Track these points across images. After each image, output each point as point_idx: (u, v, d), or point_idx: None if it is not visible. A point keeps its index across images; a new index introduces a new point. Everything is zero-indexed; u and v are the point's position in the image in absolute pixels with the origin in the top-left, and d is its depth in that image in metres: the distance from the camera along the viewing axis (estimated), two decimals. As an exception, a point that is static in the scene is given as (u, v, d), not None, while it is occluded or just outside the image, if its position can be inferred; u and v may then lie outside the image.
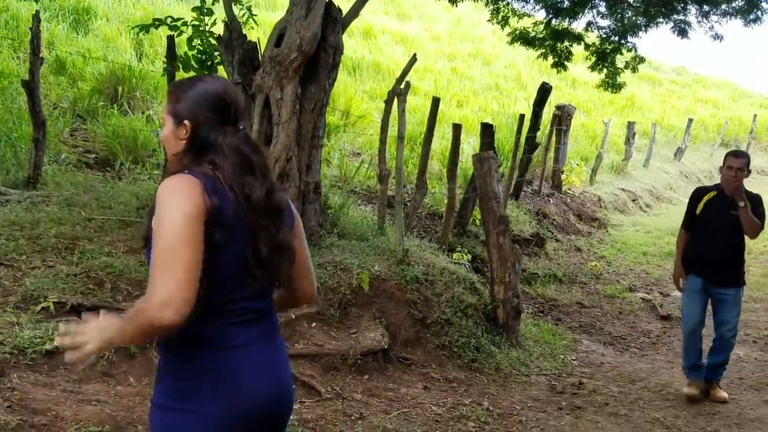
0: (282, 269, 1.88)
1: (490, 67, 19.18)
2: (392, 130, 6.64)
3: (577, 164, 13.00)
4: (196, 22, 5.97)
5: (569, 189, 12.31)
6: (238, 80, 5.49)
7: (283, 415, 1.97)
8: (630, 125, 15.71)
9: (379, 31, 17.73)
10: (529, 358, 5.81)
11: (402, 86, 6.11)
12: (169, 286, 1.61)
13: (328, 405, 4.12)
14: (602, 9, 9.15)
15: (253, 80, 5.44)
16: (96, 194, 5.70)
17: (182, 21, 5.97)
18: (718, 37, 8.76)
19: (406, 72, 6.18)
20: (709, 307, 5.13)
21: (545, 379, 5.46)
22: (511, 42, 9.77)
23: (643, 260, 10.03)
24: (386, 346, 4.92)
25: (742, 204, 4.78)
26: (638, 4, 8.86)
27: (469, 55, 19.46)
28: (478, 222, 8.21)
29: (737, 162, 4.88)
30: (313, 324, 4.84)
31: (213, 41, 5.87)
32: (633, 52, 9.56)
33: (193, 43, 5.95)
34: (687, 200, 5.34)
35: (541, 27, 9.39)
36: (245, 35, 5.68)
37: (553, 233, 10.19)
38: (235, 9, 5.94)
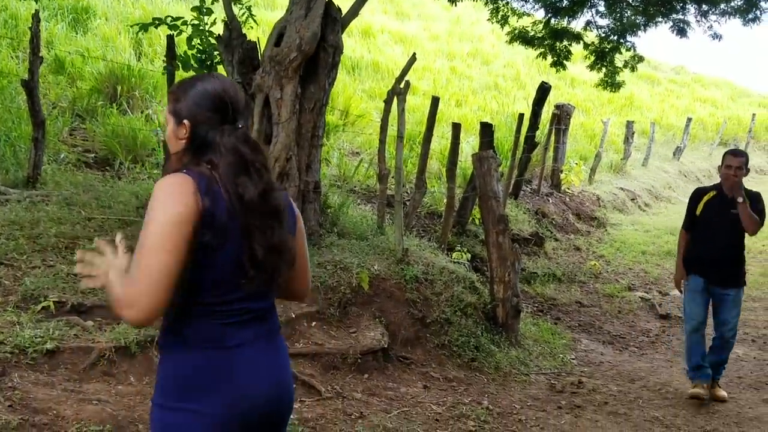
0: (280, 271, 1.86)
1: (489, 67, 19.19)
2: (391, 130, 6.65)
3: (576, 163, 13.01)
4: (196, 22, 5.97)
5: (568, 188, 12.32)
6: (237, 80, 5.49)
7: (284, 414, 1.97)
8: (629, 124, 15.72)
9: (378, 30, 17.73)
10: (529, 357, 5.82)
11: (402, 86, 6.11)
12: (140, 287, 1.64)
13: (328, 404, 4.13)
14: (601, 8, 9.17)
15: (252, 80, 5.45)
16: (95, 193, 5.70)
17: (182, 20, 5.96)
18: (716, 36, 8.77)
19: (405, 71, 6.18)
20: (710, 306, 5.13)
21: (545, 378, 5.47)
22: (510, 41, 9.78)
23: (642, 259, 10.04)
24: (386, 346, 4.92)
25: (740, 200, 4.78)
26: (637, 4, 8.87)
27: (468, 55, 19.47)
28: (477, 221, 8.22)
29: (736, 161, 4.89)
30: (313, 323, 4.85)
31: (213, 41, 5.87)
32: (632, 51, 9.57)
33: (193, 43, 5.95)
34: (686, 199, 5.35)
35: (540, 26, 9.40)
36: (245, 35, 5.68)
37: (552, 232, 10.20)
38: (235, 8, 5.94)
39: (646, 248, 10.53)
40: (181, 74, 6.27)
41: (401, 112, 6.07)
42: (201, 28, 5.94)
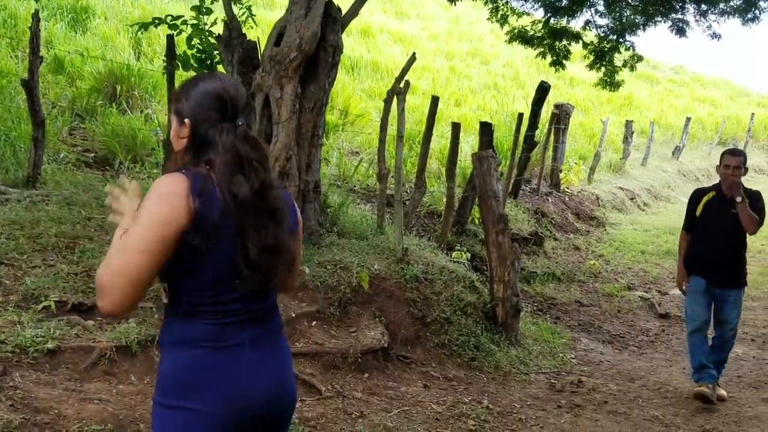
0: (277, 271, 1.84)
1: (488, 66, 19.20)
2: (391, 129, 6.65)
3: (576, 163, 13.03)
4: (196, 21, 5.97)
5: (567, 188, 12.33)
6: (237, 79, 5.50)
7: (285, 415, 1.98)
8: (628, 124, 15.74)
9: (378, 29, 17.74)
10: (529, 356, 5.83)
11: (401, 85, 6.11)
12: (116, 280, 1.68)
13: (328, 403, 4.13)
14: (600, 8, 9.19)
15: (252, 79, 5.45)
16: (95, 193, 5.69)
17: (182, 20, 5.95)
18: (716, 36, 8.79)
19: (405, 71, 6.18)
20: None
21: (544, 378, 5.48)
22: (510, 41, 9.79)
23: (641, 259, 10.05)
24: (386, 345, 4.93)
25: (739, 199, 4.77)
26: (636, 3, 8.89)
27: (467, 54, 19.48)
28: (476, 221, 8.22)
29: (734, 160, 4.89)
30: (313, 322, 4.85)
31: (212, 40, 5.87)
32: (631, 50, 9.59)
33: (193, 42, 5.94)
34: (685, 199, 5.36)
35: (540, 25, 9.41)
36: (245, 34, 5.69)
37: (551, 232, 10.21)
38: (235, 8, 5.94)
39: (646, 248, 10.54)
40: (180, 74, 6.27)
41: (401, 111, 6.08)
42: (201, 27, 5.94)
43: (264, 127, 5.40)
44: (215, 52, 5.91)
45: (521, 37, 9.54)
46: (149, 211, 1.71)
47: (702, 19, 8.63)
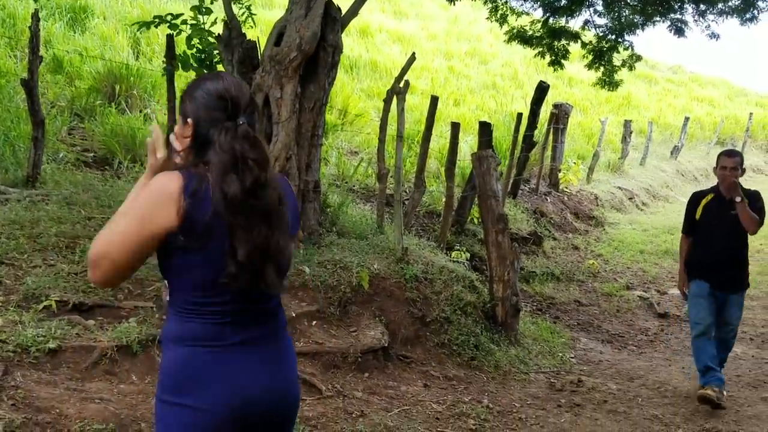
0: (266, 273, 1.80)
1: (487, 66, 19.21)
2: (390, 129, 6.66)
3: (574, 162, 13.04)
4: (195, 21, 5.96)
5: (566, 187, 12.34)
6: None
7: (288, 414, 1.98)
8: (626, 123, 15.75)
9: (376, 29, 17.74)
10: (528, 355, 5.84)
11: (401, 85, 6.12)
12: (100, 261, 1.76)
13: (329, 403, 4.14)
14: (599, 7, 9.20)
15: (252, 79, 5.45)
16: (95, 193, 5.70)
17: (182, 19, 5.94)
18: (714, 36, 8.81)
19: (405, 71, 6.19)
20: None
21: (544, 377, 5.49)
22: (509, 41, 9.80)
23: (640, 258, 10.07)
24: (386, 344, 4.93)
25: (738, 199, 4.75)
26: (635, 3, 8.90)
27: (465, 54, 19.48)
28: (476, 220, 8.23)
29: (730, 161, 4.87)
30: (314, 322, 4.86)
31: (212, 40, 5.87)
32: (630, 50, 9.60)
33: (193, 42, 5.94)
34: (683, 198, 5.36)
35: (539, 25, 9.42)
36: (244, 34, 5.68)
37: (550, 231, 10.23)
38: (234, 8, 5.94)
39: (644, 247, 10.56)
40: (180, 74, 6.28)
41: (401, 111, 6.08)
42: (200, 27, 5.93)
43: (264, 127, 5.40)
44: (215, 52, 5.91)
45: (520, 36, 9.55)
46: (139, 204, 1.77)
47: (700, 19, 8.65)
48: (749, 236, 5.03)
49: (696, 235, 5.12)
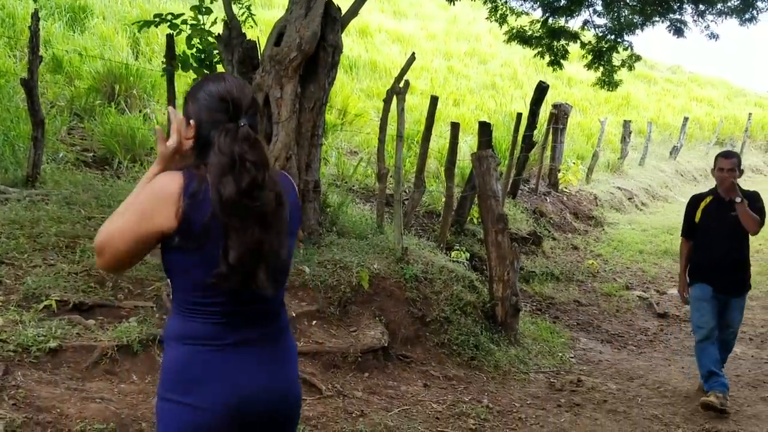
0: (257, 275, 1.78)
1: (486, 66, 19.21)
2: (389, 129, 6.66)
3: (574, 163, 13.05)
4: (195, 21, 5.96)
5: (566, 187, 12.35)
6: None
7: (290, 413, 1.98)
8: (626, 124, 15.76)
9: (376, 29, 17.74)
10: (528, 355, 5.84)
11: (401, 85, 6.12)
12: (104, 249, 1.79)
13: (329, 402, 4.14)
14: (599, 7, 9.21)
15: (252, 79, 5.45)
16: (95, 193, 5.70)
17: (182, 18, 5.94)
18: (713, 36, 8.82)
19: (404, 71, 6.19)
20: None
21: (544, 377, 5.49)
22: (508, 41, 9.81)
23: (639, 258, 10.08)
24: (386, 344, 4.94)
25: (738, 199, 4.74)
26: (635, 3, 8.91)
27: (465, 54, 19.48)
28: (475, 220, 8.24)
29: (727, 162, 4.85)
30: (314, 322, 4.86)
31: (212, 40, 5.87)
32: (629, 50, 9.61)
33: (193, 42, 5.94)
34: (683, 198, 5.35)
35: (538, 25, 9.43)
36: (244, 34, 5.69)
37: (549, 231, 10.24)
38: (235, 8, 5.94)
39: (644, 247, 10.57)
40: (180, 74, 6.28)
41: (401, 111, 6.08)
42: (200, 27, 5.93)
43: (264, 127, 5.40)
44: (215, 52, 5.91)
45: (520, 36, 9.56)
46: (139, 202, 1.79)
47: (700, 19, 8.67)
48: (750, 237, 5.02)
49: (696, 239, 5.09)
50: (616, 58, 9.81)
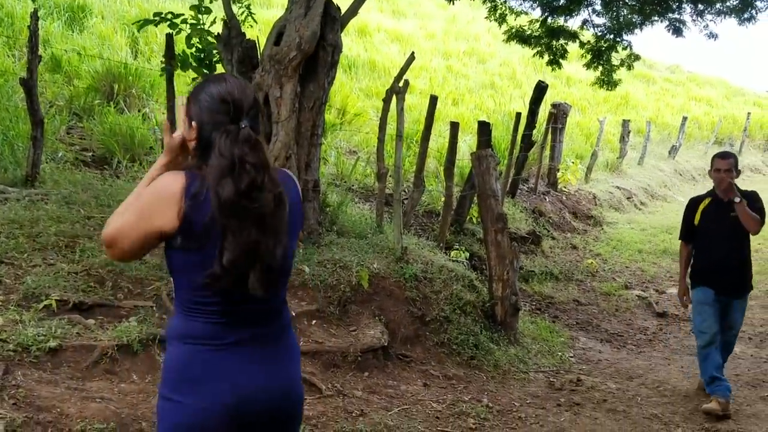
0: (250, 278, 1.78)
1: (485, 65, 19.21)
2: (389, 128, 6.66)
3: (573, 162, 13.05)
4: (195, 20, 5.96)
5: (565, 187, 12.36)
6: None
7: (291, 412, 1.98)
8: (624, 123, 15.75)
9: (375, 29, 17.74)
10: (528, 355, 5.85)
11: (401, 84, 6.12)
12: (111, 242, 1.82)
13: (329, 402, 4.14)
14: (598, 7, 9.22)
15: (252, 78, 5.45)
16: (94, 192, 5.69)
17: (182, 18, 5.94)
18: (712, 35, 8.83)
19: (404, 70, 6.19)
20: None
21: (543, 376, 5.50)
22: (507, 40, 9.82)
23: (638, 258, 10.08)
24: (386, 344, 4.94)
25: (737, 199, 4.73)
26: (634, 3, 8.91)
27: (464, 53, 19.48)
28: (475, 220, 8.24)
29: (724, 163, 4.83)
30: (314, 321, 4.86)
31: (212, 39, 5.86)
32: (628, 49, 9.61)
33: (192, 42, 5.93)
34: (682, 198, 5.35)
35: (537, 25, 9.43)
36: (244, 33, 5.69)
37: (549, 231, 10.24)
38: (234, 7, 5.94)
39: (643, 247, 10.58)
40: (179, 74, 6.27)
41: (400, 110, 6.08)
42: (200, 27, 5.93)
43: (264, 127, 5.40)
44: (214, 52, 5.90)
45: (519, 36, 9.56)
46: (141, 200, 1.81)
47: (699, 18, 8.67)
48: (750, 237, 5.01)
49: (696, 242, 5.07)
50: (615, 58, 9.81)
